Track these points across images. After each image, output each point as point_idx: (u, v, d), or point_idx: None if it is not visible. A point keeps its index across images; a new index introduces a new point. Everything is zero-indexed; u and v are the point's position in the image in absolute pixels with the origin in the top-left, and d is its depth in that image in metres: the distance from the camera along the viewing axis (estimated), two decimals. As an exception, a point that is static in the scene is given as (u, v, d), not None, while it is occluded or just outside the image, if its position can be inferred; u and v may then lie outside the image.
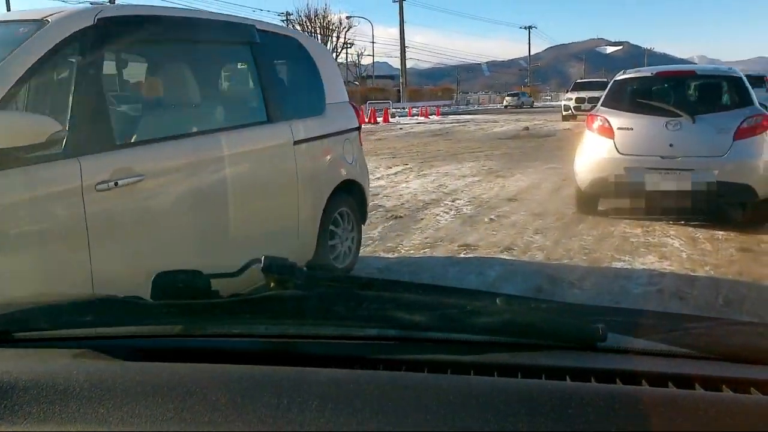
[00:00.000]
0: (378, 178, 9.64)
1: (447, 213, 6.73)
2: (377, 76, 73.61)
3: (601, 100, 6.26)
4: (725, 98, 5.93)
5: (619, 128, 5.73)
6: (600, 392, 0.67)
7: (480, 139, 17.38)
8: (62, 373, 0.73)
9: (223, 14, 3.58)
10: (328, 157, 4.08)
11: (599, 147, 5.82)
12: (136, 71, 3.13)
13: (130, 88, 3.07)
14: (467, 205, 7.15)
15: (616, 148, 5.70)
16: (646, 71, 6.34)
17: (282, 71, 3.98)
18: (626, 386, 0.72)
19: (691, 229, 5.66)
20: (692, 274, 4.40)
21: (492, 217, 6.41)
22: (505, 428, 0.61)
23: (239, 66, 3.73)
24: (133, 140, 2.69)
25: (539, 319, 0.88)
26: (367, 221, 6.24)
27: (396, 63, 56.89)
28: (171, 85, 3.08)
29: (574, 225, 5.96)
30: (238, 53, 3.60)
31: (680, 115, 5.52)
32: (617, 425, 0.61)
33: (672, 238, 5.35)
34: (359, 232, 4.59)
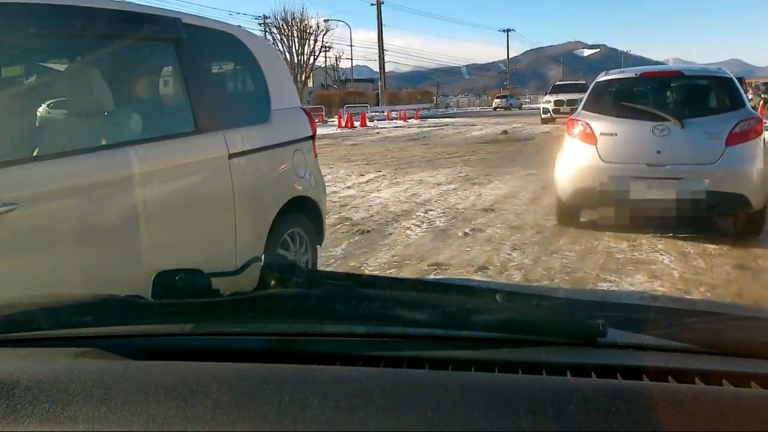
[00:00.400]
0: (348, 187, 9.13)
1: (418, 226, 6.23)
2: (357, 80, 73.11)
3: (582, 103, 5.79)
4: (716, 101, 5.47)
5: (602, 134, 5.27)
6: (601, 388, 0.67)
7: (457, 144, 16.94)
8: (64, 372, 0.73)
9: (143, 5, 3.02)
10: (274, 171, 3.55)
11: (581, 154, 5.35)
12: (16, 73, 2.57)
13: (7, 94, 2.50)
14: (440, 217, 6.66)
15: (599, 156, 5.24)
16: (629, 72, 5.87)
17: (216, 72, 3.46)
18: (627, 381, 0.72)
19: (680, 242, 5.22)
20: (687, 297, 3.94)
21: (466, 230, 5.92)
22: (507, 424, 0.60)
23: (161, 66, 3.18)
24: (3, 159, 2.14)
25: (539, 315, 0.88)
26: (332, 236, 5.75)
27: (376, 66, 56.43)
28: (66, 88, 2.53)
29: (554, 239, 5.49)
30: (159, 51, 3.05)
31: (668, 120, 5.06)
32: (618, 420, 0.60)
33: (661, 254, 4.89)
34: (314, 253, 4.06)
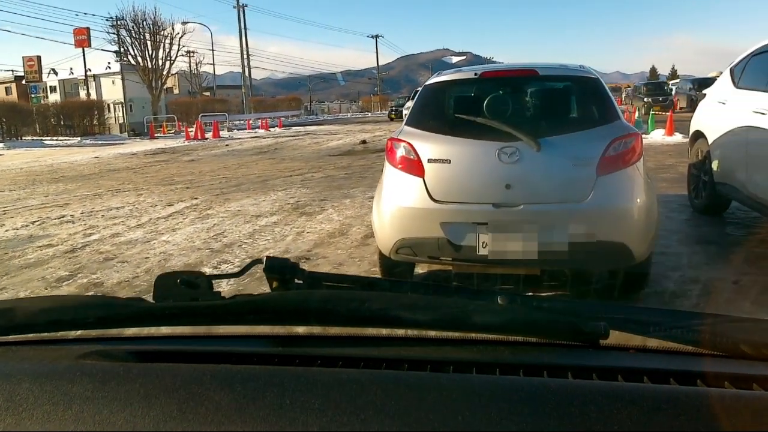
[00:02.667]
0: (138, 226, 7.00)
1: (190, 295, 4.31)
2: (225, 87, 69.26)
3: (407, 117, 4.16)
4: (581, 111, 4.04)
5: (430, 160, 3.66)
6: (602, 389, 0.66)
7: (307, 157, 15.12)
8: (66, 374, 0.72)
9: None
10: None
11: (404, 191, 3.70)
12: None
13: None
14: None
15: (428, 193, 3.62)
16: (467, 72, 4.29)
17: None
18: (628, 383, 0.71)
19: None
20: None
21: (254, 301, 4.10)
22: (508, 426, 0.60)
23: None
24: None
25: (541, 316, 0.87)
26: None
27: (252, 73, 53.41)
28: None
29: (375, 311, 3.81)
30: None
31: (518, 139, 3.55)
32: (619, 422, 0.59)
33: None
34: None
